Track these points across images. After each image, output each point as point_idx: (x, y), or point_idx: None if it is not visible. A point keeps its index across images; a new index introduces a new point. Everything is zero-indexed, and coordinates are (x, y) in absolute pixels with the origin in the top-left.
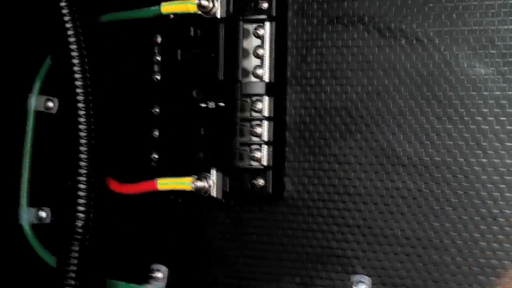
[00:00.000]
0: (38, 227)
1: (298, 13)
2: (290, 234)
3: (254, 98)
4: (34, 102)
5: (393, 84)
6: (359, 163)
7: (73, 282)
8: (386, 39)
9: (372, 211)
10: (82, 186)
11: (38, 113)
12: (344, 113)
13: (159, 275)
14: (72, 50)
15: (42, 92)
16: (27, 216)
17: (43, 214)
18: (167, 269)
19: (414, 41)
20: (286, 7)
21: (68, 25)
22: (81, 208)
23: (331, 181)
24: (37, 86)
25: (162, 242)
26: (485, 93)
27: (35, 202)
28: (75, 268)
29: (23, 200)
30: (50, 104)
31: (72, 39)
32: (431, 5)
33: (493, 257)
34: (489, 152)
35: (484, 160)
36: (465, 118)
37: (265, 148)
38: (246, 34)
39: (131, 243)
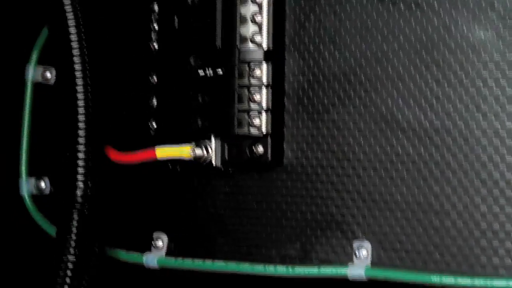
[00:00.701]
0: (38, 198)
1: None
2: (290, 201)
3: (253, 65)
4: (32, 72)
5: (392, 49)
6: (358, 129)
7: (72, 251)
8: (385, 4)
9: (371, 177)
10: (81, 155)
11: (36, 84)
12: (343, 79)
13: (159, 243)
14: (69, 19)
15: (39, 62)
16: (26, 186)
17: (42, 184)
18: (167, 237)
19: (413, 6)
20: None
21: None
22: (80, 178)
23: (330, 147)
24: (34, 56)
25: (161, 210)
26: (484, 57)
27: (35, 172)
28: (74, 237)
29: (23, 170)
30: (48, 74)
31: (68, 8)
32: None
33: (494, 221)
34: (489, 115)
35: (484, 123)
36: (465, 82)
37: (264, 115)
38: (244, 0)
39: (131, 212)
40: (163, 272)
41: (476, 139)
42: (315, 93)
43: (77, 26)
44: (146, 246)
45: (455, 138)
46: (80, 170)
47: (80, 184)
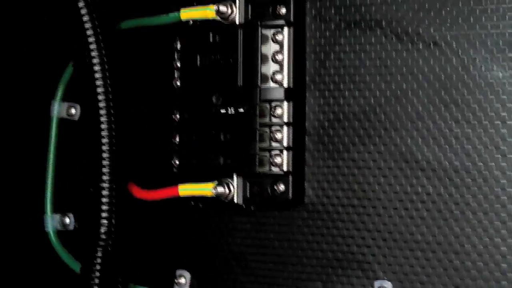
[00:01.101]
0: (62, 233)
1: (316, 18)
2: (311, 239)
3: (274, 104)
4: (57, 108)
5: (411, 88)
6: (378, 167)
7: (96, 287)
8: (404, 43)
9: (392, 216)
10: (104, 192)
11: (60, 120)
12: (363, 117)
13: (182, 280)
14: (93, 57)
15: (64, 98)
16: (51, 222)
17: (67, 220)
18: (189, 274)
19: (432, 45)
20: (304, 12)
21: (89, 32)
22: (104, 214)
23: (350, 186)
24: (59, 92)
25: (184, 247)
26: (503, 96)
27: (59, 209)
28: (98, 274)
29: (48, 206)
30: (73, 110)
31: (93, 46)
32: (448, 8)
33: None
34: (508, 156)
35: (503, 164)
36: (484, 122)
37: (285, 153)
38: (265, 39)
39: (154, 248)
40: None
41: (496, 179)
42: (336, 131)
43: (101, 64)
44: (169, 283)
45: (475, 178)
46: (104, 207)
47: (104, 221)
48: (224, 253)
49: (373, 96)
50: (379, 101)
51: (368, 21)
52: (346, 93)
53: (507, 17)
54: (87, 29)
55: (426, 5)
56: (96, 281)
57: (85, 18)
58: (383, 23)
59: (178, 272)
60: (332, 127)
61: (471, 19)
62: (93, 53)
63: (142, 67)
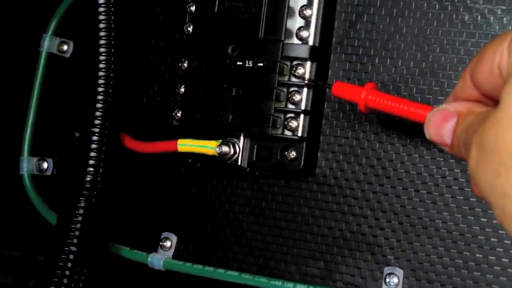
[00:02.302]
0: (39, 178)
1: None
2: (318, 214)
3: (295, 62)
4: (48, 43)
5: (450, 62)
6: (403, 144)
7: (76, 240)
8: (447, 12)
9: (412, 198)
10: (95, 138)
11: (50, 55)
12: (392, 88)
13: (167, 244)
14: None
15: (57, 33)
16: (27, 165)
17: (45, 164)
18: (176, 238)
19: (479, 18)
20: None
21: None
22: (91, 162)
23: (369, 161)
24: (52, 25)
25: (173, 208)
26: None
27: (38, 152)
28: (79, 226)
29: (25, 148)
30: (65, 47)
31: None
32: None
33: None
34: None
35: None
36: None
37: (301, 117)
38: None
39: (140, 206)
40: (168, 274)
41: None
42: None
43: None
44: (153, 245)
45: None
46: (92, 153)
47: (90, 169)
48: (219, 219)
49: (406, 67)
50: (412, 73)
51: None
52: (376, 59)
53: None
54: None
55: None
56: (77, 233)
57: None
58: None
59: (164, 234)
60: None
61: None
62: None
63: (151, 7)
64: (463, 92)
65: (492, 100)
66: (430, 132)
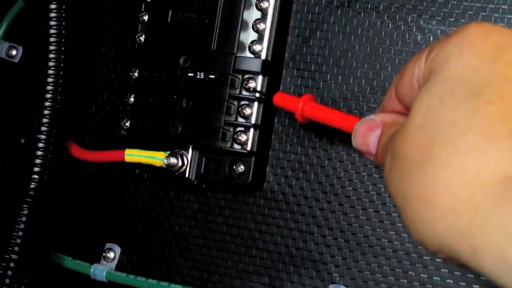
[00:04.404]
0: None
1: None
2: (264, 229)
3: (247, 76)
4: None
5: None
6: (352, 162)
7: (17, 248)
8: (400, 31)
9: (359, 216)
10: (41, 145)
11: None
12: (343, 105)
13: (110, 255)
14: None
15: (6, 38)
16: None
17: None
18: (120, 249)
19: (432, 38)
20: None
21: None
22: (36, 169)
23: (317, 178)
24: (1, 31)
25: (119, 218)
26: None
27: None
28: (21, 234)
29: None
30: (14, 51)
31: None
32: (454, 2)
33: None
34: None
35: None
36: None
37: (251, 131)
38: (248, 4)
39: (85, 215)
40: (111, 285)
41: None
42: None
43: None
44: (96, 256)
45: None
46: (38, 160)
47: (35, 176)
48: (164, 232)
49: (358, 84)
50: (363, 90)
51: (364, 2)
52: (328, 76)
53: None
54: None
55: None
56: (18, 241)
57: None
58: (381, 6)
59: (108, 245)
60: None
61: (480, 16)
62: None
63: (103, 15)
64: (389, 105)
65: None
66: (357, 141)
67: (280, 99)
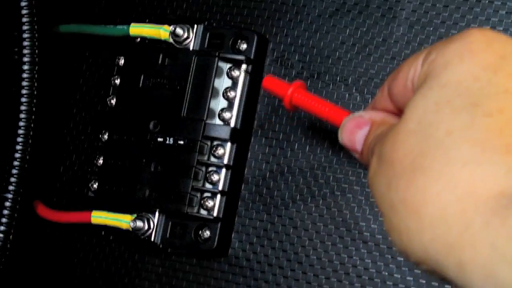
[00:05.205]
0: None
1: (277, 61)
2: None
3: (216, 142)
4: None
5: None
6: (317, 231)
7: None
8: (368, 104)
9: (322, 285)
10: (7, 204)
11: None
12: (309, 174)
13: None
14: (24, 55)
15: None
16: None
17: None
18: None
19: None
20: (265, 53)
21: (25, 27)
22: (1, 228)
23: (282, 246)
24: None
25: (83, 280)
26: None
27: None
28: None
29: None
30: None
31: (26, 43)
32: None
33: None
34: None
35: None
36: None
37: (218, 197)
38: (219, 72)
39: (48, 276)
40: None
41: None
42: (277, 184)
43: (31, 63)
44: None
45: None
46: (4, 220)
47: (0, 236)
48: None
49: (324, 155)
50: (330, 160)
51: (333, 74)
52: (296, 145)
53: None
54: (24, 23)
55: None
56: None
57: (24, 11)
58: (350, 79)
59: None
60: (273, 179)
61: None
62: (25, 51)
63: (76, 77)
64: (380, 103)
65: None
66: (343, 137)
67: (269, 83)
